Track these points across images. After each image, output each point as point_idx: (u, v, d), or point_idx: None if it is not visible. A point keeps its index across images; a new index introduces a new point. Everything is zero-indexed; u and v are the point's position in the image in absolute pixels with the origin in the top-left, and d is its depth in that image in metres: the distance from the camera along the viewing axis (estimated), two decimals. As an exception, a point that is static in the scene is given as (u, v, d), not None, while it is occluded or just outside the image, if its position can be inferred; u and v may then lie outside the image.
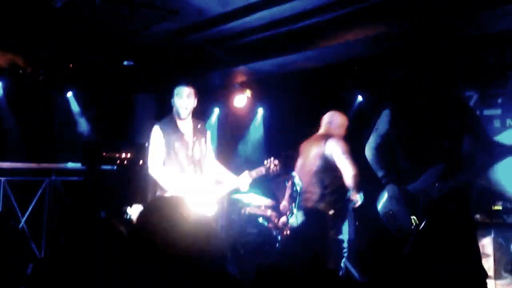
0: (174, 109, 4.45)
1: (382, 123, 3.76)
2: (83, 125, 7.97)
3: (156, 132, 4.35)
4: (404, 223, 3.60)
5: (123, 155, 7.17)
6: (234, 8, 5.50)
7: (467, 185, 3.62)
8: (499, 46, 5.78)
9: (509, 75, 6.24)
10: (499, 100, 6.44)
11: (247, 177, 4.55)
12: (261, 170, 4.63)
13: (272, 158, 4.70)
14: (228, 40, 6.48)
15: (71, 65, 7.07)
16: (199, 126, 4.51)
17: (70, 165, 7.25)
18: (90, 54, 6.85)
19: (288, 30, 5.92)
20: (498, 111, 6.45)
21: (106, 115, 8.06)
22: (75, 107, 7.87)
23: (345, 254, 5.10)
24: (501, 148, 3.59)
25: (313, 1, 5.21)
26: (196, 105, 4.55)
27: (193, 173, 4.34)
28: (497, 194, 5.45)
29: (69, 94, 7.85)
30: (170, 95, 4.49)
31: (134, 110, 8.27)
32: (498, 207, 5.21)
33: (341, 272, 5.34)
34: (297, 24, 5.75)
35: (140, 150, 7.17)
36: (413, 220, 3.52)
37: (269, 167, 4.65)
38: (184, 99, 4.37)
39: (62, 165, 7.18)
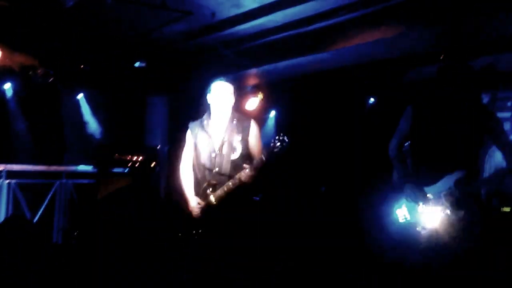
0: (209, 106, 4.05)
1: (405, 123, 3.76)
2: (94, 127, 7.96)
3: (188, 133, 4.16)
4: (415, 221, 3.66)
5: (135, 157, 7.16)
6: (247, 10, 5.50)
7: (478, 191, 3.65)
8: (509, 49, 5.75)
9: None
10: (509, 103, 6.44)
11: (246, 172, 3.87)
12: (261, 159, 3.78)
13: (277, 136, 3.76)
14: (241, 42, 6.48)
15: (81, 66, 7.06)
16: (234, 121, 4.00)
17: (81, 167, 7.25)
18: (101, 55, 6.84)
19: (301, 32, 5.92)
20: (508, 114, 6.46)
21: (117, 117, 8.04)
22: (85, 109, 7.87)
23: None
24: None
25: (326, 3, 5.20)
26: None
27: (216, 175, 3.98)
28: (506, 196, 5.46)
29: (80, 95, 7.85)
30: (205, 90, 4.09)
31: (146, 112, 8.25)
32: (507, 208, 5.20)
33: None
34: (310, 26, 5.75)
35: (152, 152, 7.17)
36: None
37: (273, 146, 3.72)
38: (224, 97, 3.95)
39: (73, 168, 7.19)
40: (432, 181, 3.61)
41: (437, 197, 3.57)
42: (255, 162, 3.84)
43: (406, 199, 3.68)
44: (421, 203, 3.60)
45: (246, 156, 4.01)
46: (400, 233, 3.83)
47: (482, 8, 4.70)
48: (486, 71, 6.37)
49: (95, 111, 7.93)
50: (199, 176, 4.10)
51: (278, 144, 3.72)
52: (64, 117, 7.84)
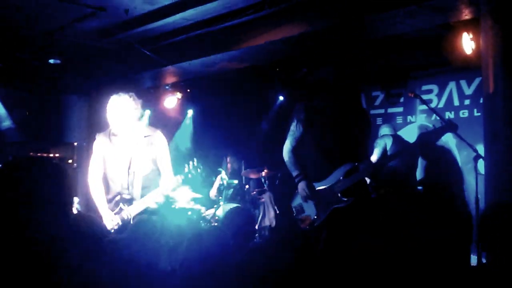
0: (112, 122, 3.72)
1: (296, 127, 3.86)
2: (7, 124, 7.51)
3: (95, 144, 3.84)
4: (309, 214, 3.79)
5: (51, 154, 6.85)
6: (160, 6, 5.44)
7: (363, 179, 3.85)
8: (401, 48, 6.08)
9: (409, 76, 6.65)
10: (401, 99, 6.86)
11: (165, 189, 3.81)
12: (177, 179, 3.81)
13: (190, 163, 3.85)
14: (156, 40, 6.40)
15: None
16: (145, 136, 3.79)
17: (-6, 166, 6.80)
18: (14, 52, 6.48)
19: (213, 30, 5.95)
20: (400, 109, 6.90)
21: (33, 115, 7.66)
22: (-1, 106, 7.44)
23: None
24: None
25: (235, 2, 5.27)
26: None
27: (124, 190, 3.77)
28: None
29: (-7, 93, 7.41)
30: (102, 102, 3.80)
31: (63, 109, 7.90)
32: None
33: None
34: (221, 25, 5.79)
35: (68, 149, 6.90)
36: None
37: (188, 172, 3.82)
38: (118, 110, 3.61)
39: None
40: (323, 176, 3.76)
41: (329, 190, 3.72)
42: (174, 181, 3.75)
43: (300, 197, 3.81)
44: (312, 200, 3.74)
45: (156, 170, 3.84)
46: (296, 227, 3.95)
47: (379, 7, 4.92)
48: (381, 69, 6.73)
49: (9, 108, 7.48)
50: (110, 188, 3.83)
51: (193, 172, 3.77)
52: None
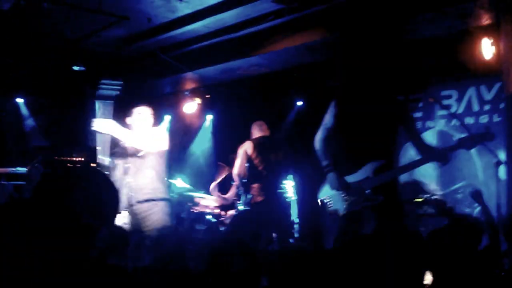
0: (131, 126, 4.40)
1: (328, 117, 3.90)
2: (33, 130, 7.69)
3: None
4: (337, 208, 3.77)
5: (76, 158, 6.96)
6: (181, 15, 5.53)
7: (394, 179, 3.83)
8: (420, 54, 6.04)
9: (428, 81, 6.57)
10: (420, 104, 6.76)
11: None
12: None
13: None
14: (177, 47, 6.50)
15: (20, 70, 6.83)
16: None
17: (20, 169, 6.95)
18: (41, 60, 6.64)
19: (232, 38, 6.02)
20: (419, 114, 6.78)
21: (57, 120, 7.82)
22: (24, 112, 7.60)
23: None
24: (431, 152, 3.79)
25: (254, 10, 5.32)
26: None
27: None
28: (419, 188, 5.79)
29: (19, 99, 7.58)
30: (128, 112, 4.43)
31: (86, 115, 8.03)
32: (420, 199, 5.51)
33: None
34: (240, 32, 5.85)
35: (92, 153, 7.00)
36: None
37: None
38: (144, 120, 4.35)
39: (11, 169, 6.88)
40: (352, 170, 3.76)
41: (357, 185, 3.71)
42: None
43: (329, 188, 3.81)
44: (342, 191, 3.73)
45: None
46: (326, 220, 3.95)
47: (400, 14, 4.92)
48: (400, 74, 6.68)
49: (35, 114, 7.66)
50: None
51: None
52: (3, 120, 7.53)
